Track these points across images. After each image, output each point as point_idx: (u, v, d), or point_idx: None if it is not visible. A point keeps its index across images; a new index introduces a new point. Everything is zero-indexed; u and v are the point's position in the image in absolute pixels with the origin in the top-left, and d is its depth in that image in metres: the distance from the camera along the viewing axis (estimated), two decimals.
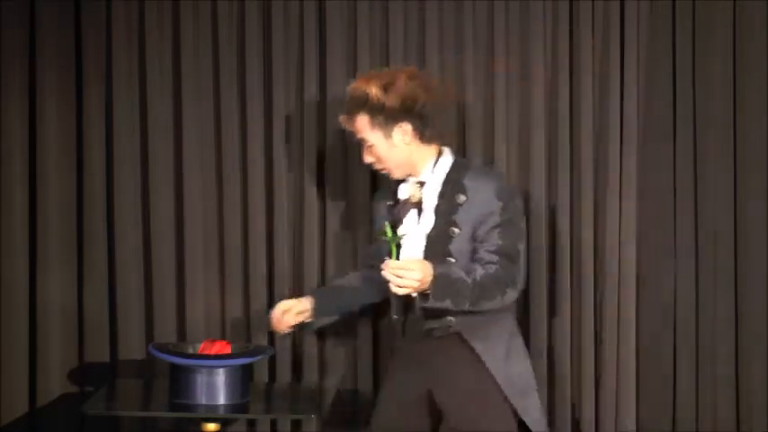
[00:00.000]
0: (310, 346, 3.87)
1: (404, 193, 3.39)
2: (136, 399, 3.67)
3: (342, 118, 3.38)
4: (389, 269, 3.05)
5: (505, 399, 3.29)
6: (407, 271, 3.05)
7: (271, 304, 3.85)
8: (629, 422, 3.83)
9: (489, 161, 3.84)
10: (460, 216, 3.27)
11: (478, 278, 3.18)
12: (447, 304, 3.15)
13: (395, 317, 3.41)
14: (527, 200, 3.83)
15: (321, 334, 3.88)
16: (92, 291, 3.91)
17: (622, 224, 3.83)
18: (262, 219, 3.88)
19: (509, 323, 3.40)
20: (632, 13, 3.81)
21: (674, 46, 3.85)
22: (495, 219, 3.25)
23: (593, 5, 3.84)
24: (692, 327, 3.87)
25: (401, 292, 3.08)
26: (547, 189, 3.85)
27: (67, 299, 3.90)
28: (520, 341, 3.43)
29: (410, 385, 3.39)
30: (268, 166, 3.89)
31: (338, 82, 3.79)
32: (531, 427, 3.32)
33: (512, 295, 3.26)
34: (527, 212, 3.84)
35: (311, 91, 3.86)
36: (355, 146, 3.55)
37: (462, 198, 3.28)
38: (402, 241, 3.15)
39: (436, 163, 3.37)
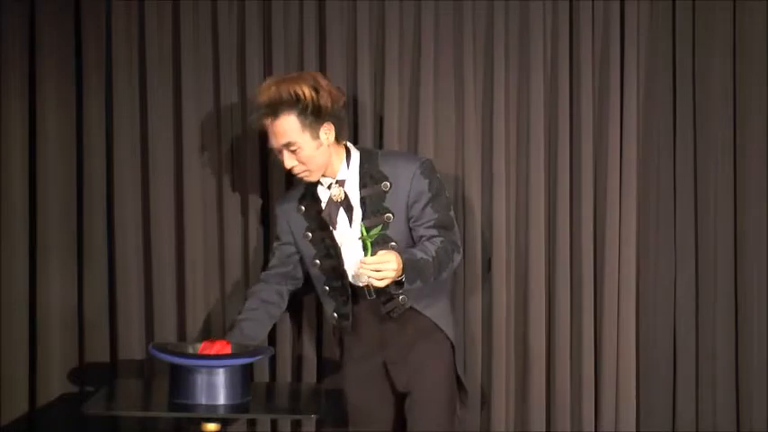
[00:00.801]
0: (310, 346, 3.87)
1: (325, 194, 3.47)
2: (136, 399, 3.66)
3: (262, 122, 3.40)
4: (367, 266, 3.18)
5: (454, 360, 3.53)
6: (385, 263, 3.19)
7: None
8: (629, 422, 3.83)
9: (489, 161, 3.85)
10: (389, 202, 3.42)
11: (434, 253, 3.36)
12: (417, 285, 3.32)
13: (336, 315, 3.55)
14: (527, 200, 3.84)
15: (320, 334, 3.88)
16: (92, 291, 3.91)
17: (622, 224, 3.83)
18: (262, 218, 3.88)
19: (445, 281, 3.57)
20: (632, 13, 3.82)
21: (674, 46, 3.86)
22: (426, 195, 3.41)
23: (593, 5, 3.84)
24: (692, 326, 3.87)
25: (382, 284, 3.21)
26: (547, 189, 3.85)
27: (67, 299, 3.90)
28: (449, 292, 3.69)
29: (374, 375, 3.55)
30: (268, 167, 3.89)
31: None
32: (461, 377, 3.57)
33: (458, 258, 3.47)
34: (527, 213, 3.85)
35: None
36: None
37: (387, 185, 3.41)
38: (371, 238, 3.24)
39: (349, 159, 3.47)
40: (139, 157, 3.91)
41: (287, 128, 3.36)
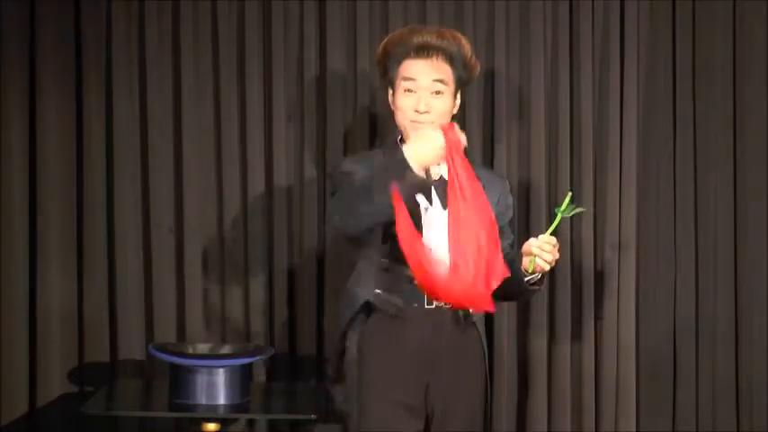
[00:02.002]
0: (310, 345, 3.87)
1: (434, 171, 3.00)
2: (136, 399, 3.67)
3: (413, 58, 2.97)
4: (545, 243, 2.87)
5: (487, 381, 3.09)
6: (555, 247, 2.90)
7: (271, 304, 3.87)
8: (629, 422, 3.83)
9: (489, 161, 3.85)
10: None
11: None
12: (538, 291, 3.04)
13: (384, 292, 2.98)
14: (527, 200, 3.84)
15: (320, 334, 3.88)
16: (92, 291, 3.91)
17: (622, 224, 3.83)
18: (262, 218, 3.88)
19: None
20: (632, 13, 3.82)
21: (674, 46, 3.86)
22: (510, 213, 3.17)
23: (593, 5, 3.84)
24: (693, 326, 3.87)
25: (547, 268, 2.90)
26: (547, 189, 3.85)
27: (67, 299, 3.90)
28: None
29: (412, 381, 2.97)
30: (268, 167, 3.89)
31: (338, 82, 3.79)
32: None
33: None
34: (527, 213, 3.85)
35: (311, 91, 3.86)
36: (357, 148, 3.54)
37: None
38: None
39: None
40: (139, 157, 3.91)
41: (444, 69, 2.98)
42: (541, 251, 2.87)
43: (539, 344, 3.84)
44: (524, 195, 3.86)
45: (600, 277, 3.85)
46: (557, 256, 2.90)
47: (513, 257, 2.96)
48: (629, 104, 3.83)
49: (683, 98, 3.86)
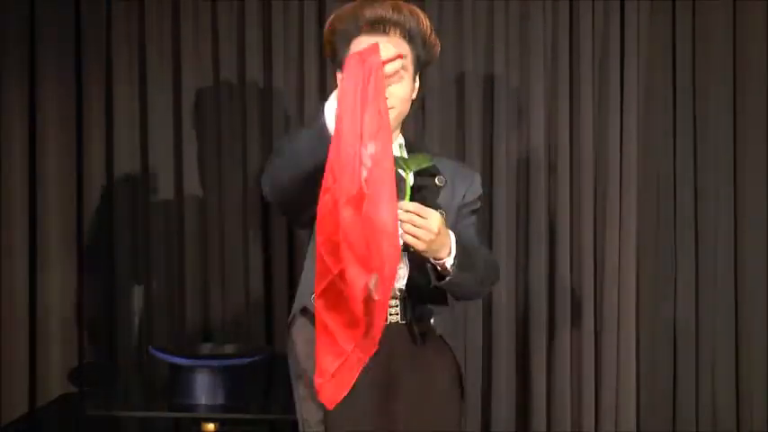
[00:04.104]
0: None
1: None
2: (136, 399, 3.67)
3: (366, 35, 2.59)
4: (404, 213, 2.38)
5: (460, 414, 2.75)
6: (426, 220, 2.40)
7: (270, 304, 3.87)
8: (630, 422, 3.83)
9: (489, 160, 3.85)
10: (443, 199, 2.67)
11: (485, 255, 2.68)
12: (465, 279, 2.52)
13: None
14: (527, 200, 3.84)
15: None
16: (92, 291, 3.91)
17: (622, 224, 3.83)
18: (262, 218, 3.89)
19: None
20: (632, 13, 3.82)
21: (674, 46, 3.86)
22: (477, 204, 2.77)
23: (593, 5, 3.84)
24: (693, 326, 3.87)
25: (411, 242, 2.40)
26: (547, 189, 3.85)
27: (67, 299, 3.90)
28: None
29: (373, 414, 2.61)
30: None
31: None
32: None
33: (491, 287, 2.86)
34: (527, 213, 3.85)
35: (311, 91, 3.86)
36: None
37: (442, 179, 2.68)
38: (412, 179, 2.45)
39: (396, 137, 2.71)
40: (139, 156, 3.91)
41: (402, 47, 2.59)
42: (405, 216, 2.39)
43: (539, 344, 3.84)
44: (524, 196, 3.86)
45: (600, 277, 3.85)
46: (423, 232, 2.39)
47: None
48: (629, 105, 3.83)
49: (683, 98, 3.86)
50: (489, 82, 3.85)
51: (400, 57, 2.42)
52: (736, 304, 3.86)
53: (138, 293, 3.91)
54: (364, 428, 2.58)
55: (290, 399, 3.71)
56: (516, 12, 3.84)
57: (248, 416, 3.64)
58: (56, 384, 3.90)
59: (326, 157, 2.30)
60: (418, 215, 2.39)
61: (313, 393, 2.52)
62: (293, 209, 2.57)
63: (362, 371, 2.41)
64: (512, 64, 3.85)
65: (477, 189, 2.75)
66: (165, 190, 3.90)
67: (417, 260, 2.55)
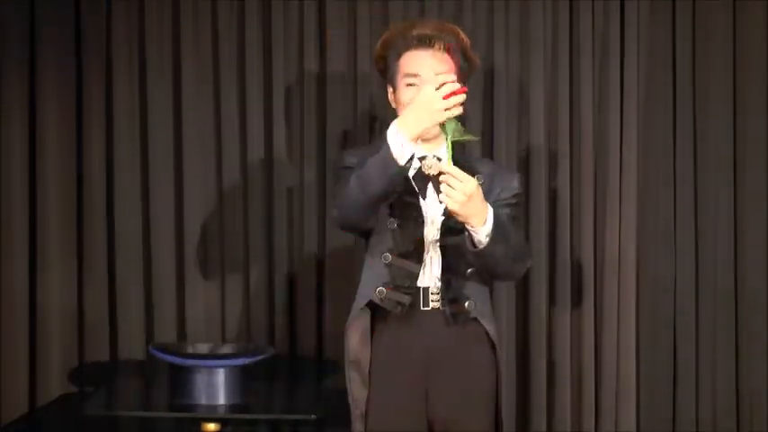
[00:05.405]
0: (310, 346, 3.87)
1: (428, 163, 2.89)
2: (136, 399, 3.67)
3: (416, 49, 2.91)
4: (444, 175, 2.65)
5: (498, 391, 2.99)
6: (463, 183, 2.64)
7: (271, 304, 3.87)
8: (630, 422, 3.83)
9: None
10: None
11: (518, 237, 2.89)
12: (497, 251, 2.74)
13: (385, 290, 2.89)
14: (527, 200, 3.84)
15: (320, 334, 3.88)
16: (92, 291, 3.91)
17: (622, 224, 3.83)
18: (262, 218, 3.89)
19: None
20: (632, 13, 3.82)
21: (674, 46, 3.86)
22: (513, 200, 2.96)
23: (593, 5, 3.84)
24: (693, 326, 3.87)
25: (445, 201, 2.66)
26: (547, 189, 3.85)
27: (67, 299, 3.90)
28: None
29: (411, 400, 2.91)
30: (268, 167, 3.89)
31: (338, 82, 3.80)
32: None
33: (524, 269, 2.97)
34: (528, 213, 3.85)
35: (311, 91, 3.86)
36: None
37: (480, 177, 2.84)
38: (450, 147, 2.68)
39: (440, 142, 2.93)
40: (139, 157, 3.91)
41: (446, 59, 2.92)
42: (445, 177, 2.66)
43: (539, 344, 3.84)
44: (525, 195, 3.85)
45: (600, 277, 3.85)
46: (457, 194, 2.63)
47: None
48: (629, 105, 3.83)
49: (683, 98, 3.86)
50: (489, 81, 3.85)
51: (464, 91, 2.69)
52: (736, 304, 3.86)
53: (138, 293, 3.91)
54: (405, 408, 2.90)
55: (290, 399, 3.72)
56: (516, 11, 3.84)
57: (248, 416, 3.64)
58: (56, 384, 3.90)
59: (392, 181, 2.68)
60: (455, 177, 2.65)
61: (363, 377, 2.90)
62: (360, 227, 2.91)
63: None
64: (512, 64, 3.85)
65: (513, 187, 2.99)
66: (166, 190, 3.90)
67: (453, 249, 2.85)
